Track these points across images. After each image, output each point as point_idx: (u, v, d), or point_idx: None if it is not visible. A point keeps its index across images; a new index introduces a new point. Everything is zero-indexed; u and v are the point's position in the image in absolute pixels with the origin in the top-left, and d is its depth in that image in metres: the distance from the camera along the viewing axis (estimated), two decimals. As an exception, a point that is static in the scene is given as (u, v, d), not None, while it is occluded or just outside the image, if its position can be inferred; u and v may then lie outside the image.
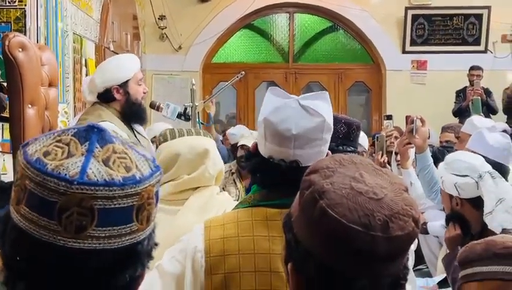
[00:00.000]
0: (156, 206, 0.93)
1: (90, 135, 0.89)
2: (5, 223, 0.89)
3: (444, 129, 5.27)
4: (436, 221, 3.93)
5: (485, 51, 8.53)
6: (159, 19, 8.28)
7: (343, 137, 2.38)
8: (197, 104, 3.62)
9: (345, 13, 8.57)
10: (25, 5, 3.94)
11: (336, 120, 2.08)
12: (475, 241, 1.56)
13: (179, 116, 3.56)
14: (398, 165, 3.72)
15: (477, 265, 1.51)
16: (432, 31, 8.61)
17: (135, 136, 3.09)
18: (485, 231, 2.48)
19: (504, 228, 2.44)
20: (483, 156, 2.78)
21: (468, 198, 2.59)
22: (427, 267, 4.39)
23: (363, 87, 9.14)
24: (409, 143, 3.25)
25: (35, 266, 0.86)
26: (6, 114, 3.11)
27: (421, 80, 8.66)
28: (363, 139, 3.78)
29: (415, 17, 8.56)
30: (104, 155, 0.87)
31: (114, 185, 0.85)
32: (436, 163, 3.12)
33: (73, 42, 5.07)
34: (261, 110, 1.59)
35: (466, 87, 7.69)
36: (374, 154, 4.33)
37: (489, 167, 2.61)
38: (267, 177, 1.60)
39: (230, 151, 5.56)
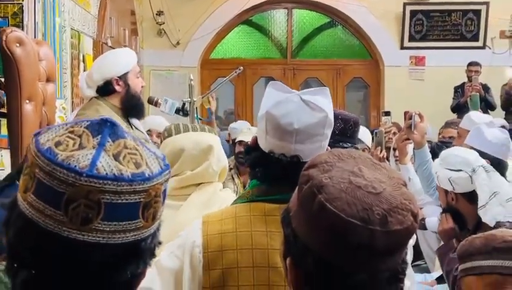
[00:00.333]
0: (162, 205, 0.93)
1: (103, 129, 0.89)
2: (11, 211, 0.89)
3: (448, 125, 5.20)
4: (434, 217, 3.92)
5: (483, 47, 8.54)
6: (157, 14, 8.27)
7: (340, 133, 2.34)
8: (195, 100, 3.61)
9: (343, 9, 8.57)
10: (23, 0, 3.93)
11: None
12: (475, 235, 1.56)
13: (177, 111, 3.55)
14: (396, 161, 3.72)
15: (476, 259, 1.51)
16: (430, 27, 8.60)
17: (133, 131, 3.09)
18: (480, 225, 2.48)
19: (498, 221, 2.45)
20: (482, 152, 2.78)
21: (462, 192, 2.60)
22: (426, 263, 4.39)
23: (361, 83, 9.14)
24: (408, 139, 3.26)
25: (39, 255, 0.86)
26: (3, 109, 3.10)
27: (419, 75, 8.66)
28: (365, 136, 3.75)
29: (413, 13, 8.55)
30: (115, 150, 0.87)
31: (123, 181, 0.85)
32: (434, 158, 3.11)
33: (71, 37, 5.05)
34: (262, 104, 1.59)
35: (464, 83, 7.70)
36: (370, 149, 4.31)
37: (483, 161, 2.61)
38: (267, 171, 1.59)
39: (232, 147, 5.54)
